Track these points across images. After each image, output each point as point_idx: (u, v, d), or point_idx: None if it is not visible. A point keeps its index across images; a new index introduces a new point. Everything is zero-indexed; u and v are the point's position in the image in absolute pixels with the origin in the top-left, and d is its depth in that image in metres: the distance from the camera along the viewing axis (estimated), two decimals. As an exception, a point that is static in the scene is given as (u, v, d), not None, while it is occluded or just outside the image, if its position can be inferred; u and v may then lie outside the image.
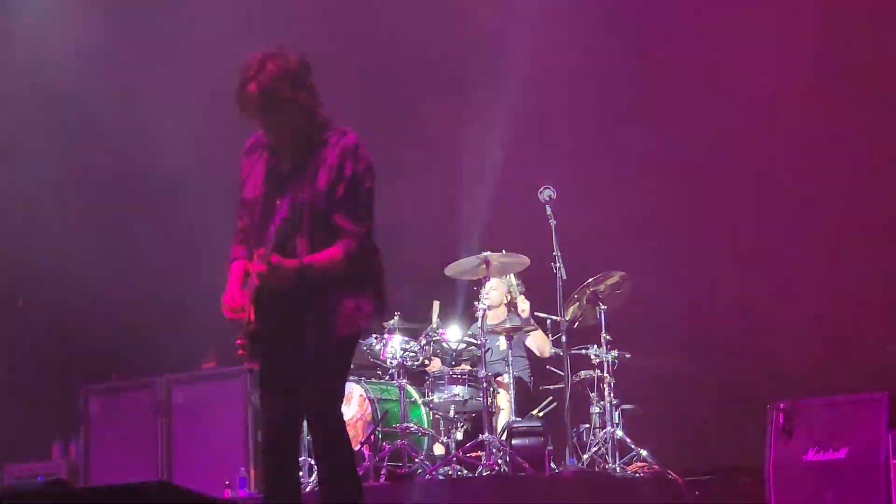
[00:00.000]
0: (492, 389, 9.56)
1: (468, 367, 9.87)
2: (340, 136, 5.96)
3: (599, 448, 9.43)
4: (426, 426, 9.76)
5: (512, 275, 10.26)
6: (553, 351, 10.16)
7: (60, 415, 11.66)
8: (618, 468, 9.33)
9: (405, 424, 9.48)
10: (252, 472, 10.05)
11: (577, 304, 9.81)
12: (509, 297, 10.39)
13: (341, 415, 6.05)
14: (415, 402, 9.83)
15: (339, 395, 6.05)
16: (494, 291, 10.21)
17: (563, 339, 9.62)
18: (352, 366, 9.67)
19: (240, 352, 5.94)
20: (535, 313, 10.09)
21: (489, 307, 9.91)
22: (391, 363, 9.73)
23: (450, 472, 9.14)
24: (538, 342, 10.33)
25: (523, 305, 10.23)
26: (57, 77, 11.68)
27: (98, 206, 12.35)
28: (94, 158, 12.20)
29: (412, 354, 9.74)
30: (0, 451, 11.93)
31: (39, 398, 12.26)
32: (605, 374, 9.61)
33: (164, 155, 11.49)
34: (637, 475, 9.29)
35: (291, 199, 5.86)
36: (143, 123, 11.70)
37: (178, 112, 11.26)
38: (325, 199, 5.85)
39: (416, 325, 9.97)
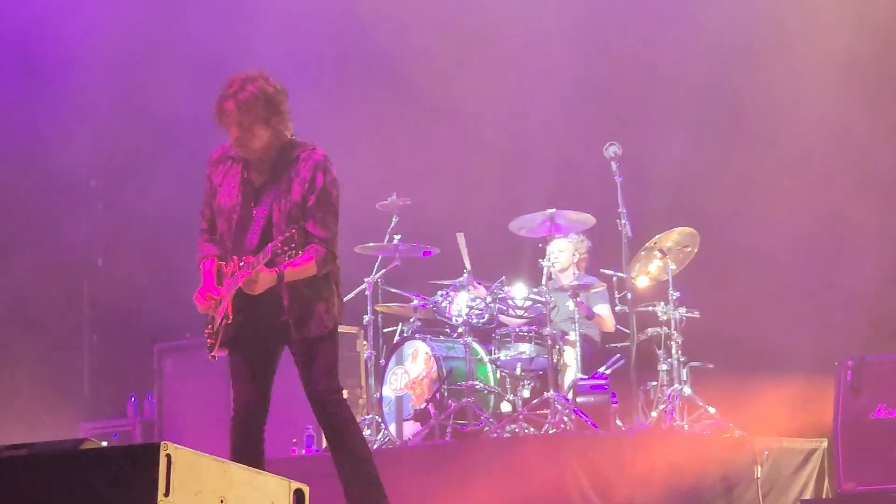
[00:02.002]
0: (557, 347, 9.55)
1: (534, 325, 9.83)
2: (311, 151, 6.57)
3: (667, 405, 9.38)
4: (492, 384, 9.76)
5: (574, 234, 10.21)
6: (616, 327, 10.16)
7: (136, 373, 11.82)
8: (685, 425, 9.28)
9: (471, 382, 9.49)
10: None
11: (644, 260, 9.74)
12: (577, 258, 10.35)
13: (346, 406, 6.69)
14: (481, 360, 9.81)
15: (335, 389, 6.62)
16: (562, 253, 10.20)
17: (629, 296, 9.58)
18: (418, 324, 9.88)
19: (208, 340, 6.66)
20: (602, 270, 10.04)
21: (560, 269, 9.98)
22: (457, 321, 9.74)
23: (516, 430, 9.15)
24: (607, 314, 10.27)
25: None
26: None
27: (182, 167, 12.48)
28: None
29: (478, 312, 9.74)
30: (78, 409, 12.16)
31: (117, 356, 12.44)
32: (673, 332, 9.55)
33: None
34: (705, 432, 9.24)
35: (269, 209, 6.49)
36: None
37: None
38: (298, 208, 6.46)
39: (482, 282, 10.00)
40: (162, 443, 4.06)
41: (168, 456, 4.09)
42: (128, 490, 4.11)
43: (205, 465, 4.20)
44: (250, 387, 6.71)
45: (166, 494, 4.05)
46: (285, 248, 6.20)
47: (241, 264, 6.41)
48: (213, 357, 6.71)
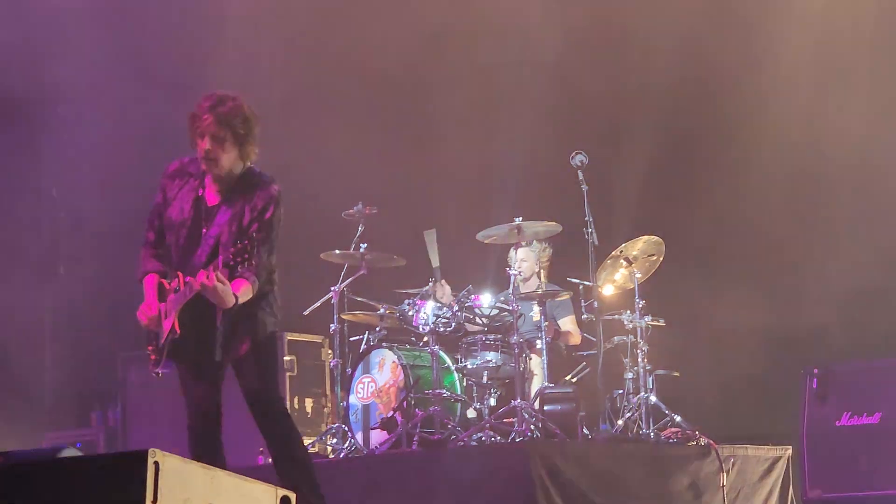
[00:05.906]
0: (524, 355, 9.57)
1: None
2: (268, 184, 6.68)
3: (633, 414, 9.41)
4: (459, 392, 9.75)
5: (536, 242, 10.22)
6: (582, 336, 10.18)
7: (100, 382, 11.76)
8: (651, 434, 9.32)
9: (438, 390, 9.49)
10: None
11: (610, 269, 9.78)
12: (538, 267, 10.37)
13: (283, 405, 6.98)
14: (448, 368, 9.79)
15: (274, 389, 6.91)
16: (525, 263, 10.20)
17: (596, 304, 9.60)
18: (385, 332, 9.86)
19: (152, 357, 6.71)
20: (568, 279, 10.06)
21: (524, 279, 10.00)
22: (423, 329, 9.74)
23: (482, 438, 9.16)
24: (573, 327, 10.30)
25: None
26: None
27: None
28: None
29: (444, 320, 9.74)
30: (41, 419, 12.06)
31: (80, 365, 12.35)
32: (639, 340, 9.58)
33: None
34: (671, 440, 9.28)
35: (220, 230, 6.59)
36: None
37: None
38: (244, 234, 6.54)
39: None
40: (150, 450, 4.05)
41: (156, 463, 4.08)
42: (115, 498, 4.09)
43: (192, 473, 4.20)
44: (201, 394, 6.81)
45: (154, 501, 4.04)
46: (238, 259, 6.31)
47: (187, 280, 6.48)
48: (158, 374, 6.75)
